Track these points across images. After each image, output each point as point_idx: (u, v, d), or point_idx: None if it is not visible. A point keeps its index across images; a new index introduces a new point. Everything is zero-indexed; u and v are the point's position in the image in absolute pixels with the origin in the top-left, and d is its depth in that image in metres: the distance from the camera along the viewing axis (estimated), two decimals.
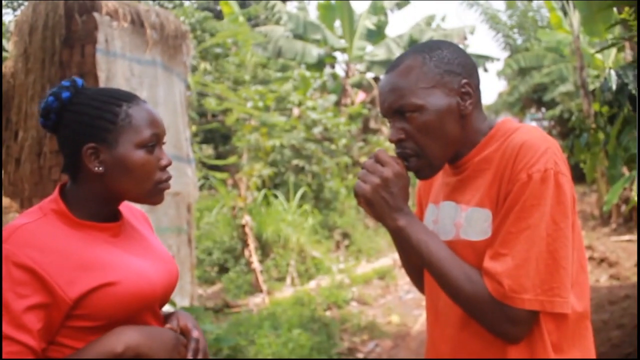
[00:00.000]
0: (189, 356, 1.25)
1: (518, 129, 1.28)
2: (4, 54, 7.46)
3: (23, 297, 1.10)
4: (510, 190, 1.20)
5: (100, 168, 1.23)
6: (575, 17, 9.56)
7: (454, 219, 1.32)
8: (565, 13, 10.11)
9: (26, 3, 4.84)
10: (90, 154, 1.23)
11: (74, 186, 1.28)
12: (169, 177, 1.30)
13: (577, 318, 1.24)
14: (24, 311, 1.10)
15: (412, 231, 1.24)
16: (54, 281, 1.12)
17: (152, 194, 1.28)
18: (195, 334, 1.30)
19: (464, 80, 1.28)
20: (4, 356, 1.08)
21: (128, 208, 1.42)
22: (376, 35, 14.59)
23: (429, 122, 1.25)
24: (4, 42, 7.70)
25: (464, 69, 1.29)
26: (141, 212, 1.49)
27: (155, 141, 1.28)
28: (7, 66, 4.79)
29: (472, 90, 1.28)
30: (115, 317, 1.19)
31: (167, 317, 1.35)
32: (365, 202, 1.25)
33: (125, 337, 1.17)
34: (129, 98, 1.28)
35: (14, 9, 8.76)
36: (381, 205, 1.23)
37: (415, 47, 1.32)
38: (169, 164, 1.30)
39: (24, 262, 1.11)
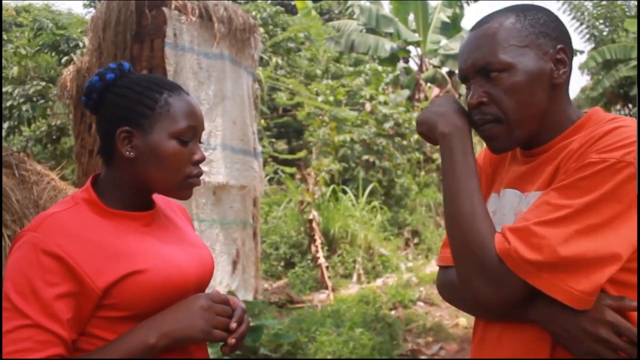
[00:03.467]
0: (233, 322, 1.19)
1: (613, 118, 1.13)
2: (82, 50, 7.77)
3: (52, 285, 1.09)
4: (571, 167, 1.05)
5: (132, 153, 1.21)
6: None
7: (516, 208, 1.18)
8: None
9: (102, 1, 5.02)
10: (124, 137, 1.21)
11: (106, 172, 1.27)
12: (200, 173, 1.26)
13: None
14: (54, 299, 1.08)
15: (453, 143, 1.15)
16: (82, 270, 1.11)
17: (181, 187, 1.25)
18: (242, 305, 1.26)
19: (560, 46, 1.14)
20: (34, 344, 1.06)
21: (165, 200, 1.40)
22: (451, 28, 14.24)
23: (518, 84, 1.11)
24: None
25: (560, 34, 1.16)
26: (180, 205, 1.46)
27: (191, 133, 1.24)
28: (83, 61, 4.98)
29: (567, 59, 1.15)
30: (146, 306, 1.16)
31: None
32: (420, 125, 1.21)
33: (156, 327, 1.14)
34: (172, 87, 1.26)
35: (94, 7, 9.14)
36: (431, 118, 1.19)
37: (507, 7, 1.19)
38: (202, 159, 1.26)
39: (52, 249, 1.10)
